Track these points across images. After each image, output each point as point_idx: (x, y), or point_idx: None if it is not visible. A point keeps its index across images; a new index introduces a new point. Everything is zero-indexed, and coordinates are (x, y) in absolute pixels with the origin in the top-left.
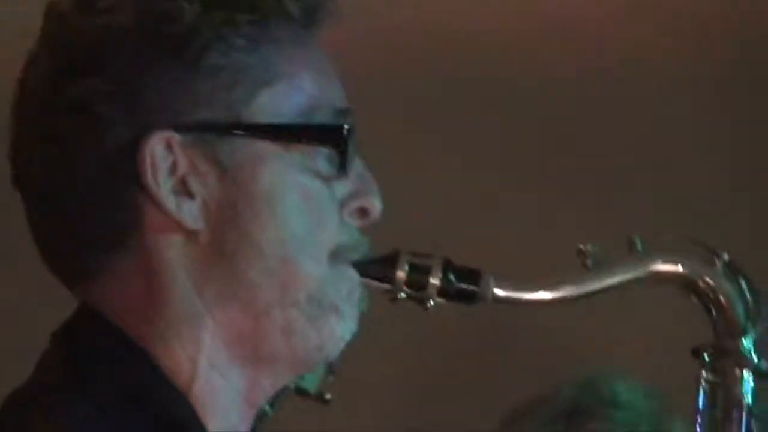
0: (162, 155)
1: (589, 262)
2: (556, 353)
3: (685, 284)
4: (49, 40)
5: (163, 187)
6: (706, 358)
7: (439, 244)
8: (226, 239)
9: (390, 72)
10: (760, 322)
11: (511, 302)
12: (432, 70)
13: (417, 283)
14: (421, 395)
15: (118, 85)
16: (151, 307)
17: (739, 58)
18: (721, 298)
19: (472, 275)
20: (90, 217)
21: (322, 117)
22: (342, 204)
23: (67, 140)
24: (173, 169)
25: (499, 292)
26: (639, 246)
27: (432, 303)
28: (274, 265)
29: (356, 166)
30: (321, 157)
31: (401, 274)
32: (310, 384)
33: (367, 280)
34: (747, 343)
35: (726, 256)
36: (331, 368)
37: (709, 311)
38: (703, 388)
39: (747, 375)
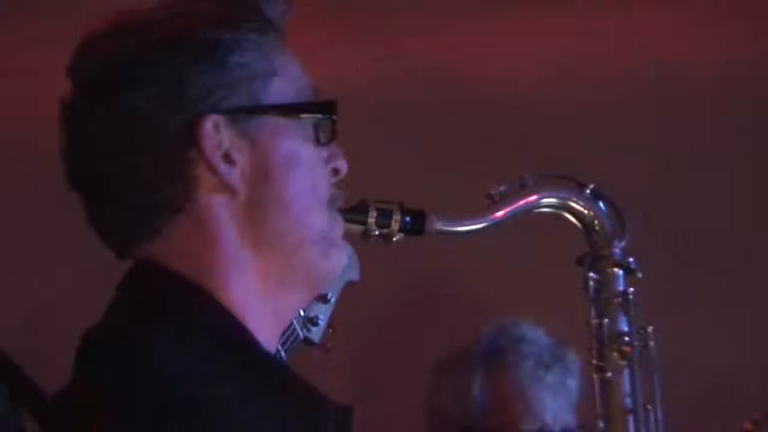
0: (212, 134)
1: (496, 199)
2: (476, 310)
3: (564, 207)
4: (91, 60)
5: (217, 157)
6: (588, 264)
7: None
8: (260, 196)
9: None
10: (626, 233)
11: (447, 234)
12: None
13: (383, 223)
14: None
15: (164, 88)
16: (206, 255)
17: None
18: (592, 215)
19: (421, 214)
20: (157, 190)
21: (310, 95)
22: (325, 166)
23: (130, 137)
24: (220, 144)
25: (440, 226)
26: (529, 184)
27: (395, 238)
28: (296, 214)
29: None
30: (311, 127)
31: (372, 218)
32: (316, 336)
33: (347, 223)
34: (617, 249)
35: (591, 186)
36: (331, 323)
37: (584, 227)
38: (590, 286)
39: (620, 272)
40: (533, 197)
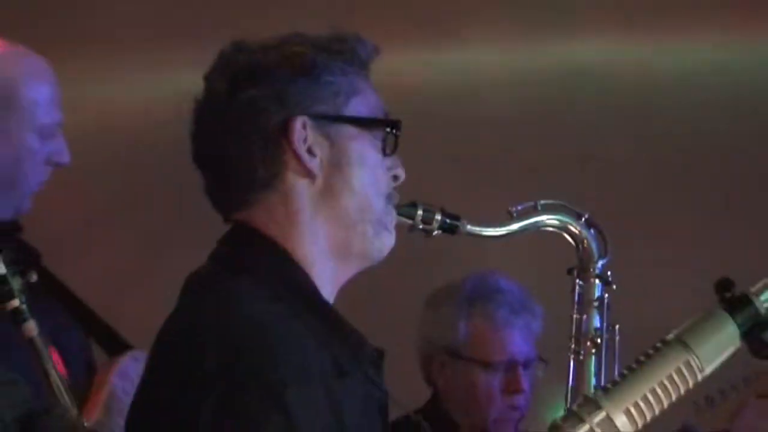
0: (300, 131)
1: (514, 215)
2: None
3: (563, 229)
4: (223, 69)
5: (302, 149)
6: (576, 274)
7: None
8: (333, 183)
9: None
10: (608, 254)
11: (475, 235)
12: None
13: (427, 220)
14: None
15: (273, 92)
16: (287, 222)
17: None
18: (584, 238)
19: (456, 217)
20: (255, 170)
21: (381, 115)
22: (386, 171)
23: (242, 126)
24: (305, 139)
25: (469, 229)
26: (539, 207)
27: (435, 233)
28: (359, 199)
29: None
30: (378, 141)
31: (419, 214)
32: None
33: (399, 217)
34: (599, 265)
35: (587, 215)
36: None
37: (576, 246)
38: (576, 291)
39: (599, 284)
40: (541, 218)
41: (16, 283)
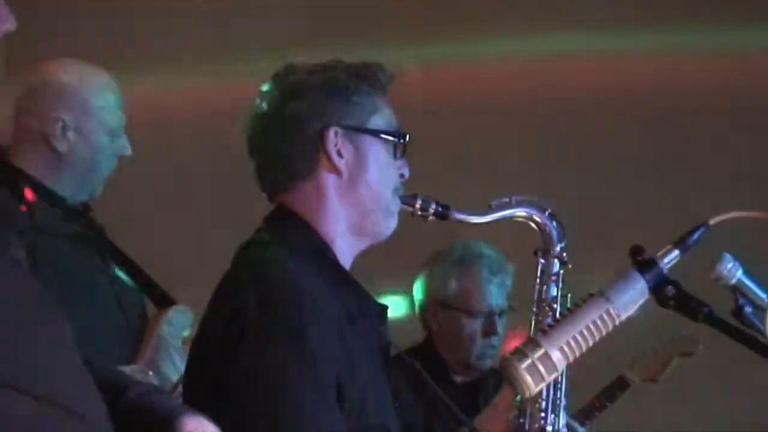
0: (332, 138)
1: (493, 207)
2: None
3: (531, 219)
4: (277, 85)
5: (333, 152)
6: (539, 254)
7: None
8: (354, 178)
9: None
10: (564, 240)
11: (461, 221)
12: None
13: (424, 208)
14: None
15: (314, 107)
16: (317, 206)
17: None
18: (546, 226)
19: (447, 207)
20: (296, 165)
21: (394, 128)
22: (396, 170)
23: (287, 130)
24: (336, 144)
25: (458, 216)
26: (513, 202)
27: (430, 219)
28: (373, 192)
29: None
30: (391, 147)
31: (418, 203)
32: None
33: (403, 205)
34: (558, 248)
35: (549, 209)
36: None
37: (540, 233)
38: (539, 268)
39: (557, 262)
40: (514, 210)
41: None
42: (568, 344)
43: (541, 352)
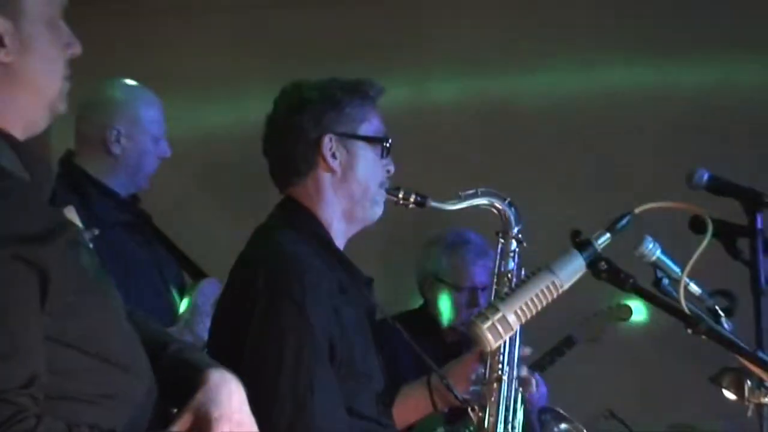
0: (328, 143)
1: (462, 196)
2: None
3: (493, 206)
4: (284, 100)
5: (329, 154)
6: (500, 235)
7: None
8: (346, 175)
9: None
10: (520, 223)
11: (436, 208)
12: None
13: (406, 197)
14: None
15: (313, 118)
16: (316, 198)
17: None
18: (506, 212)
19: (425, 196)
20: (298, 165)
21: (381, 133)
22: (383, 167)
23: (290, 137)
24: (331, 148)
25: (434, 204)
26: (479, 192)
27: (410, 206)
28: (362, 184)
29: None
30: (379, 148)
31: (401, 194)
32: None
33: (388, 195)
34: (515, 230)
35: (508, 198)
36: None
37: (500, 217)
38: (499, 246)
39: (514, 242)
40: (479, 199)
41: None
42: (521, 308)
43: (499, 315)
